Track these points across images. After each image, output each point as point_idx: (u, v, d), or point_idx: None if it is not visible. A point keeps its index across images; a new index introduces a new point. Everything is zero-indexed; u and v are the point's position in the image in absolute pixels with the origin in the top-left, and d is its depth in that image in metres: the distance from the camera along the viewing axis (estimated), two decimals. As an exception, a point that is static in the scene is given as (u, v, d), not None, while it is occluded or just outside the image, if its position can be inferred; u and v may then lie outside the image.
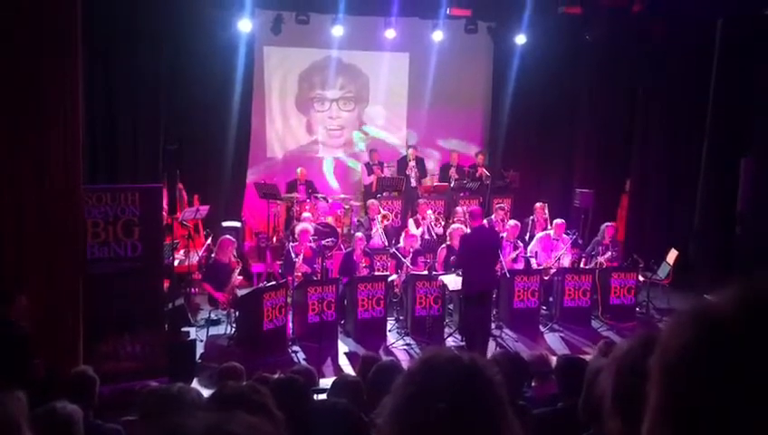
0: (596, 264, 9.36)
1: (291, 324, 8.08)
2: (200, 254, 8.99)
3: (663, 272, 9.62)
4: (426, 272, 8.49)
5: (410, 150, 11.66)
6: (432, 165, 12.30)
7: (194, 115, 10.57)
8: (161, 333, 6.96)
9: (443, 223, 10.29)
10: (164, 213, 7.58)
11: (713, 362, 0.79)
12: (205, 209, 9.57)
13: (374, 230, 9.80)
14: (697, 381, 0.80)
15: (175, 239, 8.33)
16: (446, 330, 8.53)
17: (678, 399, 0.82)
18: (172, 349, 6.90)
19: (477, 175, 11.40)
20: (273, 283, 8.10)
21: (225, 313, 8.30)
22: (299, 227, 8.83)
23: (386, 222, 10.08)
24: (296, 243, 8.65)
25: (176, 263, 8.22)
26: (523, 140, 12.14)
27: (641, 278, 9.39)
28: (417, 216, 10.17)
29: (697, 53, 10.62)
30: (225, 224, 10.19)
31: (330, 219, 10.39)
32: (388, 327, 8.56)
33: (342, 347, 8.03)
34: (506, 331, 8.61)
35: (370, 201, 10.27)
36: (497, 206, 10.66)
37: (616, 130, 11.83)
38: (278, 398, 2.19)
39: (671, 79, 10.96)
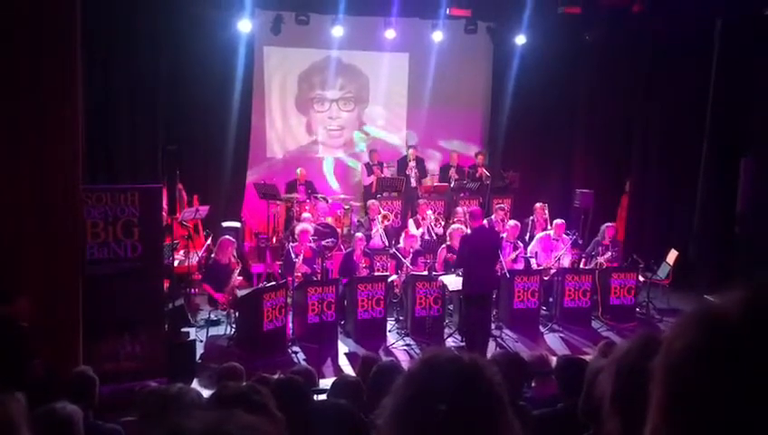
0: (596, 264, 9.36)
1: (291, 325, 8.08)
2: (200, 254, 8.99)
3: (663, 272, 9.63)
4: (426, 272, 8.49)
5: (410, 150, 11.66)
6: (433, 165, 12.29)
7: (194, 115, 10.58)
8: (161, 334, 6.95)
9: (443, 223, 10.28)
10: (164, 213, 7.58)
11: (716, 363, 0.79)
12: (204, 210, 9.57)
13: (374, 231, 9.80)
14: (701, 382, 0.80)
15: (175, 240, 8.33)
16: (446, 330, 8.53)
17: (682, 399, 0.82)
18: (172, 349, 6.90)
19: (477, 175, 11.39)
20: (273, 283, 8.10)
21: (224, 313, 8.30)
22: (299, 228, 8.83)
23: (386, 222, 10.08)
24: (296, 243, 8.65)
25: (175, 263, 8.22)
26: (523, 140, 12.13)
27: (641, 278, 9.39)
28: (417, 216, 10.17)
29: (697, 52, 10.62)
30: (224, 224, 10.19)
31: (329, 220, 10.39)
32: (388, 328, 8.56)
33: (342, 348, 8.03)
34: (506, 331, 8.61)
35: (370, 202, 10.27)
36: (497, 206, 10.66)
37: (616, 130, 11.83)
38: (278, 398, 2.19)
39: (671, 79, 10.96)
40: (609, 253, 9.44)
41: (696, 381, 0.81)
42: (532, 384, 4.51)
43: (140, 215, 6.57)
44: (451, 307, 8.78)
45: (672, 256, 9.67)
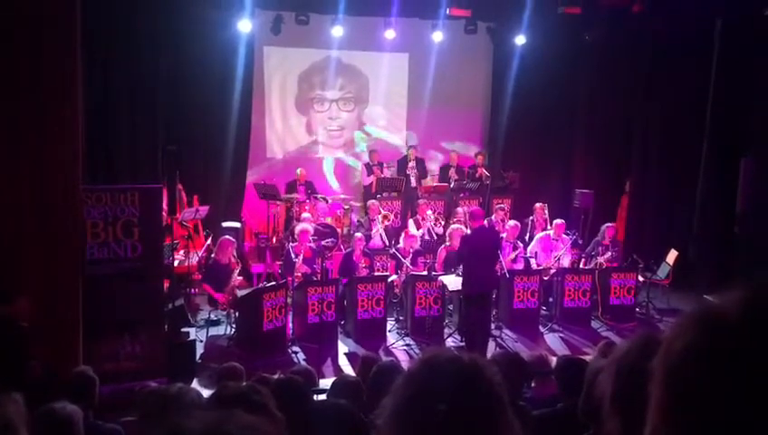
0: (596, 264, 9.36)
1: (291, 325, 8.08)
2: (200, 254, 8.99)
3: (663, 272, 9.63)
4: (425, 272, 8.49)
5: (410, 150, 11.66)
6: (433, 166, 12.29)
7: (194, 115, 10.57)
8: (161, 334, 6.95)
9: (443, 223, 10.28)
10: (164, 213, 7.58)
11: (716, 363, 0.79)
12: (204, 210, 9.57)
13: (374, 231, 9.81)
14: (700, 382, 0.80)
15: (175, 240, 8.32)
16: (446, 330, 8.53)
17: (681, 399, 0.82)
18: (172, 349, 6.90)
19: (477, 175, 11.39)
20: (273, 283, 8.10)
21: (224, 313, 8.30)
22: (298, 228, 8.83)
23: (386, 222, 10.08)
24: (296, 243, 8.65)
25: (175, 263, 8.22)
26: (522, 140, 12.13)
27: (641, 278, 9.39)
28: (417, 216, 10.17)
29: (697, 52, 10.62)
30: (224, 224, 10.19)
31: (329, 220, 10.39)
32: (388, 328, 8.56)
33: (342, 348, 8.03)
34: (506, 331, 8.61)
35: (371, 202, 10.27)
36: (497, 206, 10.66)
37: (616, 130, 11.83)
38: (278, 398, 2.19)
39: (671, 79, 10.96)
40: (609, 253, 9.44)
41: (695, 382, 0.81)
42: (532, 384, 4.50)
43: (140, 215, 6.57)
44: (451, 307, 8.78)
45: (672, 256, 9.67)
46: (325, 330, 7.78)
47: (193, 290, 8.97)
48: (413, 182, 11.39)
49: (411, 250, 8.98)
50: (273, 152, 11.96)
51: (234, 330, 8.08)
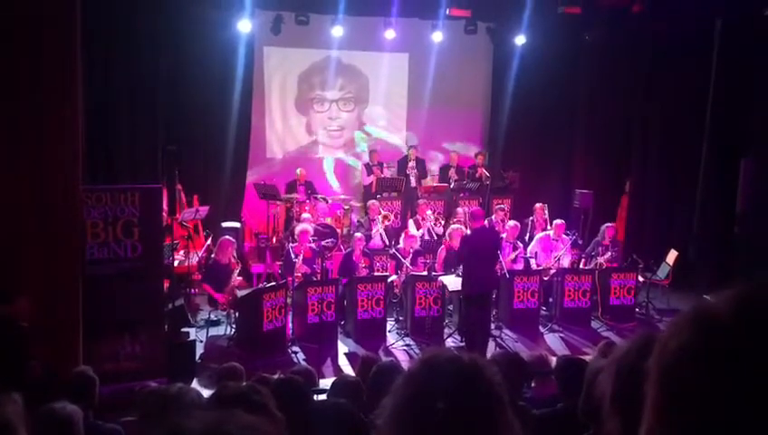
0: (596, 264, 9.36)
1: (290, 325, 8.08)
2: (200, 254, 8.99)
3: (663, 272, 9.63)
4: (425, 272, 8.49)
5: (411, 150, 11.66)
6: (434, 166, 12.28)
7: (193, 115, 10.58)
8: (161, 334, 6.95)
9: (442, 223, 10.28)
10: (164, 213, 7.58)
11: (710, 362, 0.79)
12: (204, 210, 9.57)
13: (374, 231, 9.80)
14: (695, 382, 0.80)
15: (174, 240, 8.32)
16: (446, 330, 8.53)
17: (676, 399, 0.82)
18: (172, 349, 6.90)
19: (477, 175, 11.40)
20: (273, 283, 8.11)
21: (224, 313, 8.30)
22: (298, 228, 8.83)
23: (386, 222, 10.08)
24: (296, 243, 8.65)
25: (175, 263, 8.22)
26: (522, 140, 12.14)
27: (641, 279, 9.39)
28: (417, 216, 10.17)
29: (697, 52, 10.62)
30: (224, 224, 10.19)
31: (329, 220, 10.39)
32: (388, 328, 8.56)
33: (342, 348, 8.03)
34: (506, 331, 8.61)
35: (371, 202, 10.27)
36: (497, 206, 10.66)
37: (616, 130, 11.83)
38: (278, 398, 2.19)
39: (671, 79, 10.96)
40: (609, 253, 9.44)
41: (690, 381, 0.81)
42: (532, 384, 4.50)
43: (140, 215, 6.57)
44: (451, 307, 8.78)
45: (672, 256, 9.67)
46: (325, 330, 7.78)
47: (193, 290, 8.97)
48: (413, 182, 11.39)
49: (411, 250, 8.98)
50: (273, 152, 11.96)
51: (234, 330, 8.08)
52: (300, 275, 8.43)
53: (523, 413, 3.41)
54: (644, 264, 9.59)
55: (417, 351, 7.96)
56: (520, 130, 12.05)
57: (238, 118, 10.83)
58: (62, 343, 5.86)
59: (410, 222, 10.16)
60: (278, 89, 11.84)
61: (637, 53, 11.28)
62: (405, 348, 8.12)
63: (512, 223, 9.60)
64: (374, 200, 10.36)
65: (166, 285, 7.46)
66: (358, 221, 10.63)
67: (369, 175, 11.41)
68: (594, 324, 9.04)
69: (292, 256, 8.49)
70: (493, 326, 8.22)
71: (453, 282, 7.90)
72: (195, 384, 6.52)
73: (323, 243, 9.26)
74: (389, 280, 8.75)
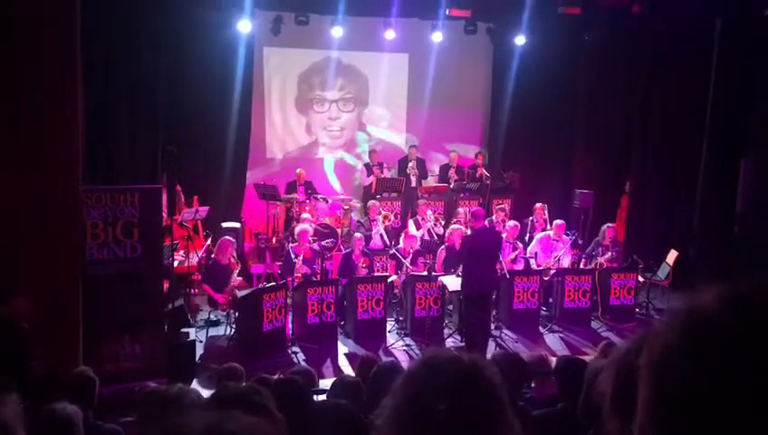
0: (596, 264, 9.36)
1: (290, 325, 8.07)
2: (200, 255, 8.99)
3: (663, 272, 9.62)
4: (425, 273, 8.49)
5: (411, 150, 11.66)
6: (434, 166, 12.27)
7: (193, 116, 10.58)
8: (161, 334, 6.95)
9: (442, 223, 10.28)
10: (164, 214, 7.58)
11: (697, 361, 0.79)
12: (204, 210, 9.57)
13: (374, 231, 9.80)
14: (684, 381, 0.80)
15: (174, 240, 8.32)
16: (446, 331, 8.53)
17: (666, 398, 0.82)
18: (172, 350, 6.90)
19: (477, 176, 11.40)
20: (273, 284, 8.10)
21: (224, 313, 8.30)
22: (298, 228, 8.83)
23: (387, 223, 10.08)
24: (296, 244, 8.65)
25: (175, 264, 8.22)
26: (522, 140, 12.14)
27: (641, 279, 9.39)
28: (417, 216, 10.17)
29: (697, 52, 10.63)
30: (224, 225, 10.19)
31: (328, 220, 10.38)
32: (388, 328, 8.56)
33: (342, 348, 8.03)
34: (506, 331, 8.61)
35: (371, 202, 10.27)
36: (498, 207, 10.65)
37: (616, 130, 11.83)
38: (278, 399, 2.19)
39: (671, 79, 10.96)
40: (609, 253, 9.44)
41: (678, 380, 0.81)
42: (532, 385, 4.50)
43: (140, 215, 6.57)
44: (451, 308, 8.78)
45: (672, 256, 9.67)
46: (325, 330, 7.79)
47: (193, 290, 8.97)
48: (413, 182, 11.39)
49: (411, 250, 8.99)
50: (273, 153, 11.96)
51: (233, 330, 8.09)
52: (300, 275, 8.43)
53: (523, 414, 3.41)
54: (644, 264, 9.59)
55: (417, 351, 7.96)
56: (520, 130, 12.05)
57: (238, 118, 10.83)
58: (62, 344, 5.87)
59: (410, 222, 10.16)
60: (278, 89, 11.84)
61: (637, 53, 11.28)
62: (405, 348, 8.11)
63: (512, 223, 9.60)
64: (374, 200, 10.36)
65: (166, 285, 7.46)
66: (358, 221, 10.63)
67: (368, 175, 11.41)
68: (594, 325, 9.04)
69: (292, 256, 8.49)
70: (493, 326, 8.22)
71: (453, 282, 7.90)
72: (195, 385, 6.53)
73: (323, 243, 9.26)
74: (389, 280, 8.75)
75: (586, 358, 4.95)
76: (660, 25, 10.74)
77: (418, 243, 9.29)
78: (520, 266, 9.31)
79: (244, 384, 2.53)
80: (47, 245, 5.80)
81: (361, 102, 12.27)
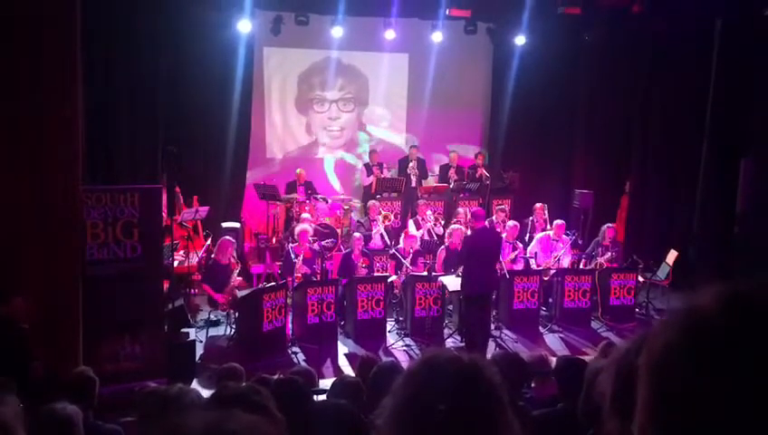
0: (596, 265, 9.36)
1: (290, 325, 8.08)
2: (200, 255, 8.98)
3: (663, 273, 9.62)
4: (425, 273, 8.48)
5: (412, 150, 11.66)
6: (434, 166, 12.28)
7: (193, 116, 10.57)
8: (161, 334, 6.96)
9: (442, 223, 10.28)
10: (164, 214, 7.58)
11: (697, 361, 0.79)
12: (204, 210, 9.57)
13: (374, 231, 9.80)
14: (683, 381, 0.80)
15: (174, 240, 8.32)
16: (446, 331, 8.52)
17: (665, 398, 0.82)
18: (172, 350, 6.90)
19: (477, 176, 11.39)
20: (273, 284, 8.10)
21: (224, 314, 8.30)
22: (298, 228, 8.83)
23: (387, 223, 10.08)
24: (296, 244, 8.65)
25: (175, 264, 8.21)
26: (522, 140, 12.13)
27: (641, 279, 9.39)
28: (417, 217, 10.17)
29: (697, 52, 10.63)
30: (224, 225, 10.19)
31: (328, 220, 10.38)
32: (388, 328, 8.56)
33: (342, 348, 8.03)
34: (506, 332, 8.61)
35: (371, 202, 10.27)
36: (498, 207, 10.64)
37: (616, 130, 11.83)
38: (278, 399, 2.19)
39: (671, 79, 10.96)
40: (609, 253, 9.43)
41: (677, 380, 0.81)
42: (532, 385, 4.51)
43: (140, 215, 6.57)
44: (451, 308, 8.78)
45: (672, 256, 9.67)
46: (325, 330, 7.79)
47: (193, 290, 8.97)
48: (413, 182, 11.39)
49: (411, 250, 8.98)
50: (273, 153, 11.96)
51: (233, 330, 8.09)
52: (300, 275, 8.43)
53: (523, 414, 3.41)
54: (644, 264, 9.59)
55: (417, 351, 7.96)
56: (520, 130, 12.05)
57: (238, 118, 10.83)
58: (62, 344, 5.87)
59: (410, 222, 10.16)
60: (278, 89, 11.84)
61: (637, 53, 11.28)
62: (405, 348, 8.11)
63: (511, 223, 9.60)
64: (374, 200, 10.36)
65: (166, 285, 7.46)
66: (358, 221, 10.62)
67: (368, 175, 11.41)
68: (594, 325, 9.04)
69: (292, 256, 8.49)
70: (493, 326, 8.22)
71: (453, 282, 7.90)
72: (195, 385, 6.53)
73: (323, 243, 9.26)
74: (389, 280, 8.75)
75: (586, 358, 4.96)
76: (660, 25, 10.74)
77: (418, 243, 9.29)
78: (520, 266, 9.31)
79: (244, 384, 2.53)
80: (47, 245, 5.80)
81: (361, 102, 12.27)
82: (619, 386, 1.41)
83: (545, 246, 9.48)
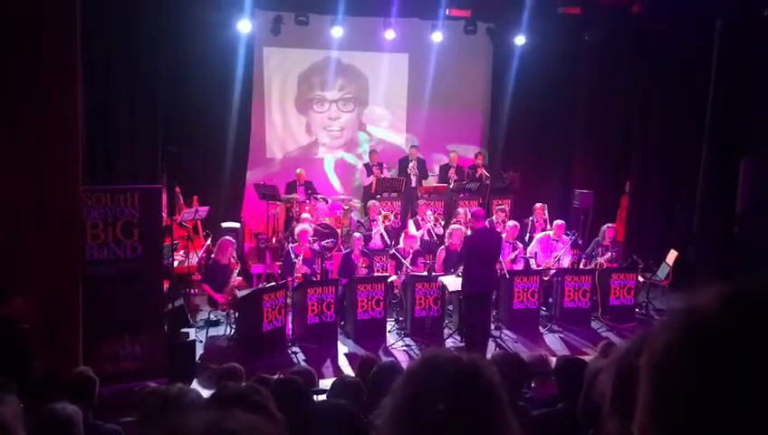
0: (596, 265, 9.36)
1: (290, 325, 8.08)
2: (200, 255, 8.99)
3: (662, 273, 9.62)
4: (425, 273, 8.49)
5: (412, 150, 11.66)
6: (434, 166, 12.27)
7: (193, 116, 10.57)
8: (161, 334, 6.96)
9: (442, 223, 10.28)
10: (164, 214, 7.58)
11: (698, 361, 0.79)
12: (204, 210, 9.57)
13: (374, 231, 9.80)
14: (683, 381, 0.80)
15: (174, 240, 8.32)
16: (446, 331, 8.53)
17: (666, 398, 0.82)
18: (172, 350, 6.90)
19: (477, 176, 11.39)
20: (273, 284, 8.10)
21: (224, 314, 8.30)
22: (298, 228, 8.83)
23: (387, 223, 10.08)
24: (296, 244, 8.65)
25: (175, 264, 8.22)
26: (522, 140, 12.13)
27: (641, 279, 9.39)
28: (417, 217, 10.17)
29: (697, 52, 10.63)
30: (224, 225, 10.19)
31: (328, 220, 10.38)
32: (388, 328, 8.56)
33: (342, 348, 8.03)
34: (506, 332, 8.61)
35: (371, 202, 10.27)
36: (498, 207, 10.63)
37: (616, 130, 11.83)
38: (278, 399, 2.19)
39: (671, 79, 10.96)
40: (609, 253, 9.43)
41: (678, 380, 0.81)
42: (532, 385, 4.51)
43: (140, 216, 6.57)
44: (451, 308, 8.78)
45: (672, 256, 9.67)
46: (325, 330, 7.79)
47: (193, 290, 8.97)
48: (413, 182, 11.39)
49: (411, 251, 8.98)
50: (273, 153, 11.96)
51: (233, 330, 8.09)
52: (300, 275, 8.43)
53: (523, 414, 3.41)
54: (644, 264, 9.59)
55: (417, 351, 7.95)
56: (520, 130, 12.05)
57: (238, 118, 10.82)
58: (62, 344, 5.87)
59: (410, 222, 10.16)
60: (278, 89, 11.84)
61: (637, 53, 11.28)
62: (405, 348, 8.11)
63: (511, 223, 9.60)
64: (374, 200, 10.36)
65: (166, 285, 7.46)
66: (358, 221, 10.62)
67: (368, 175, 11.41)
68: (594, 325, 9.04)
69: (292, 256, 8.49)
70: (493, 326, 8.22)
71: (453, 282, 7.90)
72: (195, 384, 6.53)
73: (323, 243, 9.26)
74: (389, 280, 8.75)
75: (586, 358, 4.96)
76: (660, 25, 10.74)
77: (418, 243, 9.29)
78: (520, 266, 9.31)
79: (244, 384, 2.53)
80: (47, 245, 5.80)
81: (361, 102, 12.27)
82: (619, 386, 1.41)
83: (545, 246, 9.48)
